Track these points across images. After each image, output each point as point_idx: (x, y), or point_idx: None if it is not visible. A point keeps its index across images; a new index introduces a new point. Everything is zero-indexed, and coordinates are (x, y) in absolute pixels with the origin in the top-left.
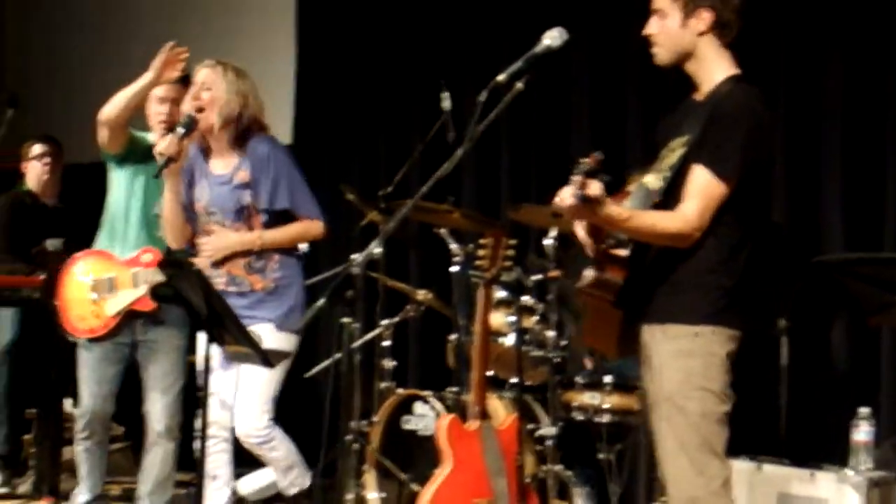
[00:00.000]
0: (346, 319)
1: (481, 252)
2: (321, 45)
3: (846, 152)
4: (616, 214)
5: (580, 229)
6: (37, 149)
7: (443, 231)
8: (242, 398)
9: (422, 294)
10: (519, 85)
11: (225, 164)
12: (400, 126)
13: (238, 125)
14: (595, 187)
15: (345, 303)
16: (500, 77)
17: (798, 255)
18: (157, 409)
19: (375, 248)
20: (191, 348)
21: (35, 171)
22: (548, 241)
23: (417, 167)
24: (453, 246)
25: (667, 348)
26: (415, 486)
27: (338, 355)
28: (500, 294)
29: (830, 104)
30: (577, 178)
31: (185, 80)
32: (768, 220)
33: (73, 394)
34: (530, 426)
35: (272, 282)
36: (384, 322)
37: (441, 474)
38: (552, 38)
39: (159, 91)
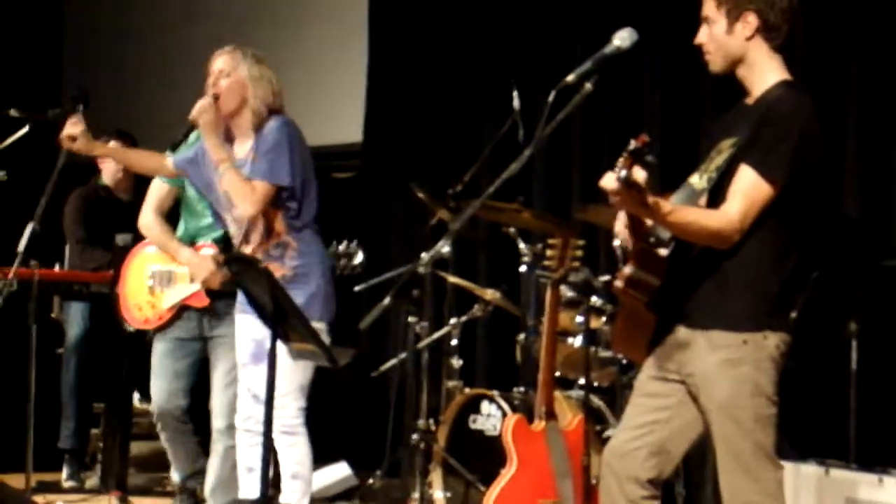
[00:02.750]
0: (412, 319)
1: (549, 252)
2: (393, 43)
3: None
4: (660, 205)
5: (619, 223)
6: (111, 145)
7: (512, 231)
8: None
9: (490, 293)
10: (588, 86)
11: (243, 148)
12: (471, 124)
13: (257, 110)
14: (639, 172)
15: (411, 301)
16: (569, 78)
17: (869, 258)
18: (218, 405)
19: (442, 248)
20: None
21: (110, 167)
22: (616, 242)
23: (487, 166)
24: (522, 246)
25: (713, 358)
26: (481, 486)
27: (404, 354)
28: (569, 294)
29: None
30: (622, 159)
31: None
32: (837, 219)
33: (142, 388)
34: (598, 427)
35: (290, 270)
36: (452, 321)
37: (506, 474)
38: (622, 38)
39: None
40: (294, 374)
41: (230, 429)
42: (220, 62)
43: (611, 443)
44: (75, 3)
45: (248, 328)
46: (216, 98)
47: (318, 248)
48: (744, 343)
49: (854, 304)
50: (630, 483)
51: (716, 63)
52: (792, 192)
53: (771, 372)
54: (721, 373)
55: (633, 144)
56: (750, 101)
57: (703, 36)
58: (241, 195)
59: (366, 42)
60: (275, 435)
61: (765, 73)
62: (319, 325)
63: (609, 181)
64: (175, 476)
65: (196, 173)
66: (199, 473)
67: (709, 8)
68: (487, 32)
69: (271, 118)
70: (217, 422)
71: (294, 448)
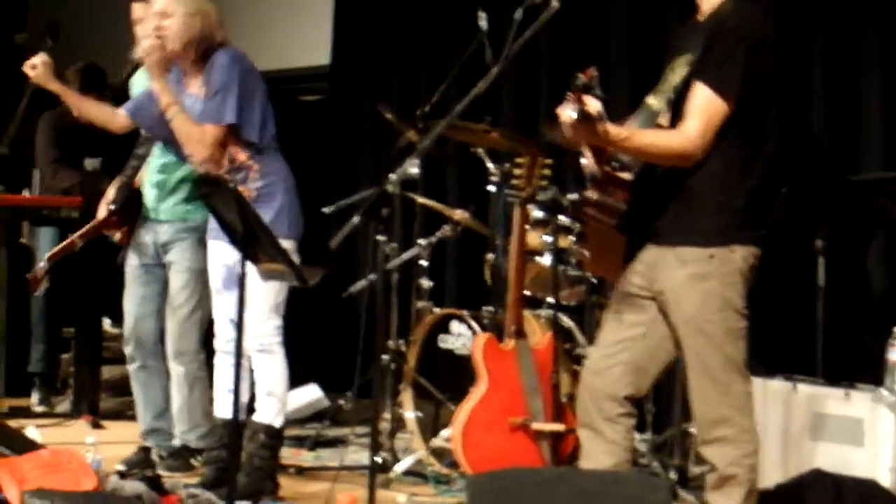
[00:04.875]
0: (381, 238)
1: (517, 171)
2: None
3: (886, 71)
4: (615, 133)
5: (585, 150)
6: (70, 78)
7: (480, 150)
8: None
9: (459, 213)
10: (555, 3)
11: (194, 85)
12: (438, 45)
13: (200, 45)
14: (593, 104)
15: (381, 221)
16: None
17: (835, 174)
18: (168, 330)
19: (411, 167)
20: None
21: None
22: (584, 161)
23: (455, 86)
24: (490, 165)
25: (681, 273)
26: (451, 405)
27: (374, 275)
28: (537, 213)
29: (870, 21)
30: (572, 94)
31: None
32: (805, 136)
33: (112, 312)
34: (567, 345)
35: (254, 190)
36: (421, 241)
37: (477, 393)
38: None
39: (134, 12)
40: (268, 292)
41: (179, 355)
42: (160, 3)
43: (587, 361)
44: None
45: (219, 254)
46: (160, 40)
47: (281, 166)
48: (710, 257)
49: (821, 220)
50: (607, 400)
51: None
52: (749, 103)
53: (739, 286)
54: (689, 287)
55: (580, 79)
56: (700, 17)
57: None
58: (192, 140)
59: None
60: (251, 353)
61: None
62: (287, 243)
63: (564, 115)
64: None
65: (146, 117)
66: (158, 432)
67: None
68: None
69: (218, 53)
70: (168, 348)
71: (271, 365)
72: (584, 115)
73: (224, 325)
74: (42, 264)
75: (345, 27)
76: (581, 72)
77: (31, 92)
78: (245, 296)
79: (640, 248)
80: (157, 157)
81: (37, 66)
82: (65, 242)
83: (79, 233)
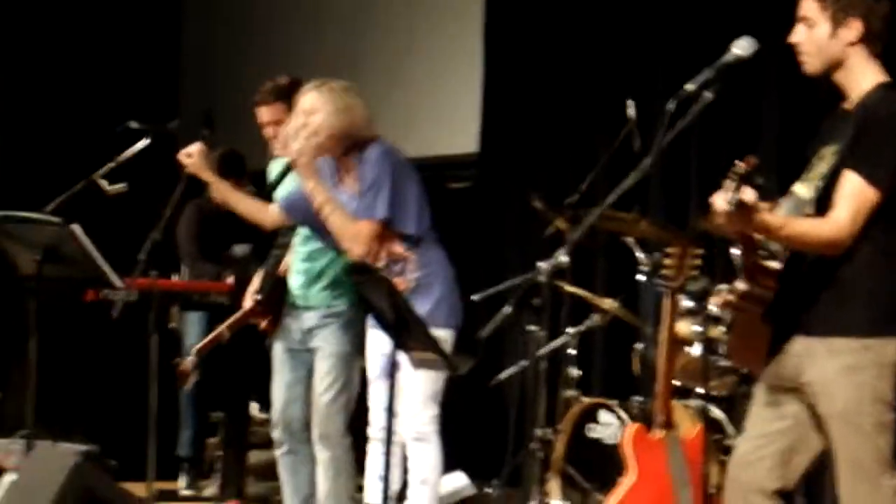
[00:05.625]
0: (532, 327)
1: (667, 261)
2: (508, 53)
3: None
4: (770, 222)
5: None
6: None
7: (629, 240)
8: (404, 394)
9: (608, 303)
10: (708, 95)
11: (350, 180)
12: (587, 133)
13: (349, 141)
14: (748, 193)
15: (531, 311)
16: (689, 86)
17: None
18: (314, 414)
19: (562, 257)
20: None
21: None
22: (735, 251)
23: (604, 175)
24: (639, 255)
25: (832, 365)
26: (599, 496)
27: (524, 363)
28: (687, 303)
29: None
30: (731, 183)
31: (283, 95)
32: None
33: (260, 397)
34: (716, 436)
35: (413, 281)
36: (570, 330)
37: (625, 484)
38: (742, 47)
39: (261, 116)
40: (425, 381)
41: (324, 438)
42: (308, 100)
43: (735, 453)
44: (193, 17)
45: (377, 343)
46: (311, 135)
47: (439, 255)
48: (865, 349)
49: None
50: (756, 494)
51: (813, 65)
52: None
53: (891, 378)
54: (841, 379)
55: (740, 168)
56: (848, 105)
57: (799, 35)
58: (349, 237)
59: (480, 51)
60: (407, 441)
61: (863, 76)
62: (446, 332)
63: (719, 204)
64: None
65: (300, 212)
66: None
67: (809, 9)
68: (604, 40)
69: (370, 147)
70: (313, 431)
71: (426, 454)
72: (739, 204)
73: (379, 413)
74: (190, 358)
75: (493, 115)
76: (741, 160)
77: (185, 181)
78: (396, 383)
79: (786, 338)
80: (302, 245)
81: (192, 155)
82: (213, 335)
83: (226, 324)
